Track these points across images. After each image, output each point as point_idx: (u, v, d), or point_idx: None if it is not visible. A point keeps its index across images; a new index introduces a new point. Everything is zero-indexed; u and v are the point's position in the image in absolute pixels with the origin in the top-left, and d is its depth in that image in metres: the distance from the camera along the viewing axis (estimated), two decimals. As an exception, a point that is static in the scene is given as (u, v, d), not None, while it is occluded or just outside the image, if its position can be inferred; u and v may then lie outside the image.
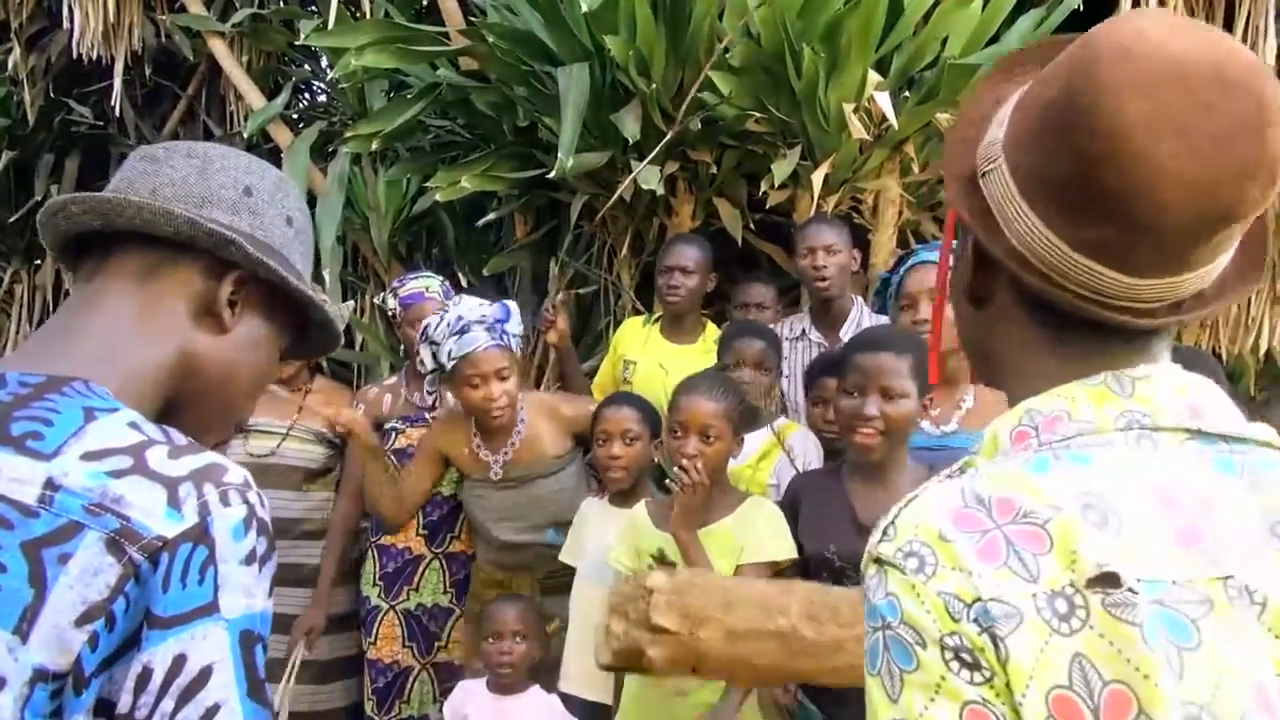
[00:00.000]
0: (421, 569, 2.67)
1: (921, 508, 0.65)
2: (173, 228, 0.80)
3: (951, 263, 0.82)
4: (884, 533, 0.65)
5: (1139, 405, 0.67)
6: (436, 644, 2.67)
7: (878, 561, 0.64)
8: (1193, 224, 0.63)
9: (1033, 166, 0.68)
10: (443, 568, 2.68)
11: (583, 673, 2.19)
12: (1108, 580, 0.58)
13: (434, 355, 2.34)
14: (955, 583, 0.60)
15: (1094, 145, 0.63)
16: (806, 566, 1.95)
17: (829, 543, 1.90)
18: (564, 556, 2.31)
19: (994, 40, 3.11)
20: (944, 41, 2.99)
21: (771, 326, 2.71)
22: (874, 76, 2.80)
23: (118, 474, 0.69)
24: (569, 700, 2.20)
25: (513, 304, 2.47)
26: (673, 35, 2.95)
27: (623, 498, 2.25)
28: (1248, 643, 0.60)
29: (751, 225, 3.21)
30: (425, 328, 2.37)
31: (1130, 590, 0.58)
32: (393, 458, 2.66)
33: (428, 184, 3.40)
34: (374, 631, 2.67)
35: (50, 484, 0.68)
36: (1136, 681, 0.57)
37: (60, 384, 0.74)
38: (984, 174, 0.72)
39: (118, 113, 4.59)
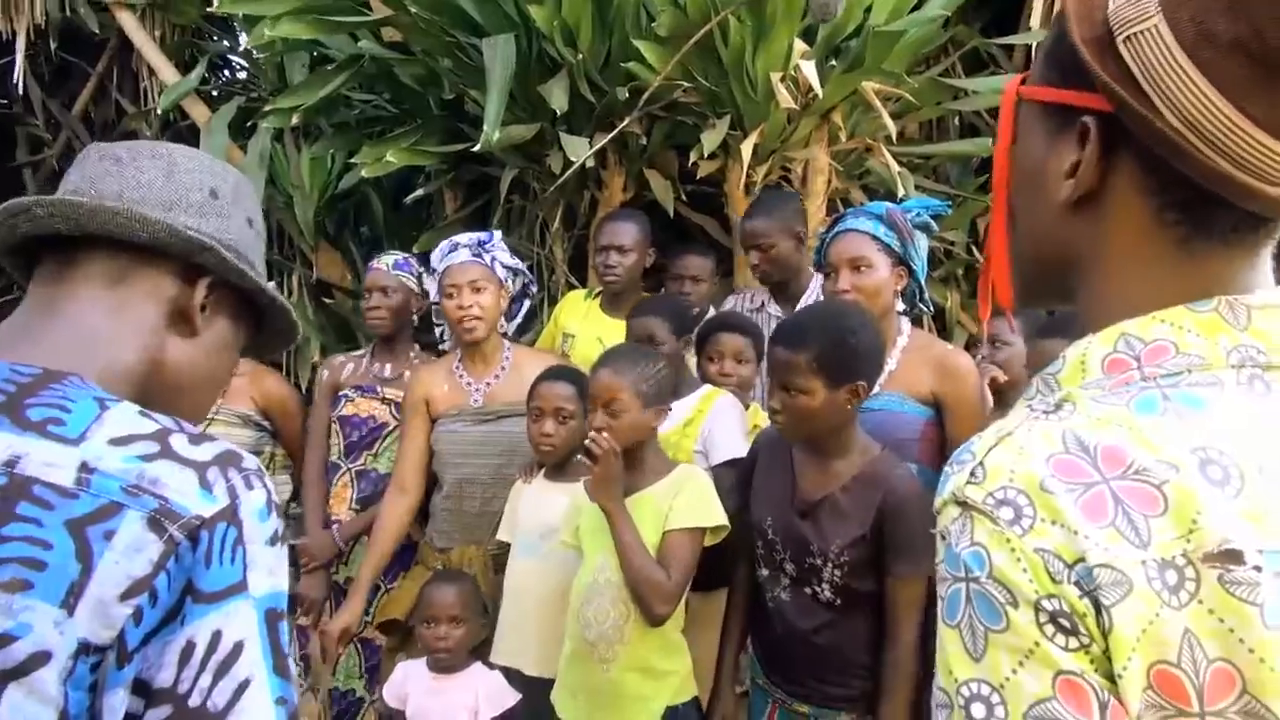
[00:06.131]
0: (353, 544, 2.67)
1: (1017, 449, 0.57)
2: (149, 234, 0.82)
3: (1022, 159, 0.69)
4: (971, 473, 0.58)
5: (1254, 339, 0.59)
6: (364, 619, 2.62)
7: (962, 505, 0.57)
8: None
9: (1206, 24, 0.57)
10: None
11: (517, 646, 2.18)
12: (1230, 557, 0.52)
13: (438, 284, 2.45)
14: (1055, 540, 0.54)
15: None
16: (750, 531, 1.94)
17: (767, 515, 1.89)
18: (501, 534, 2.29)
19: (917, 8, 3.14)
20: (868, 10, 3.01)
21: (743, 304, 2.73)
22: (800, 46, 2.81)
23: (149, 458, 0.72)
24: (508, 673, 2.19)
25: (499, 233, 2.54)
26: (599, 5, 2.91)
27: (555, 472, 2.24)
28: None
29: (683, 197, 3.21)
30: (431, 259, 2.52)
31: (1255, 568, 0.52)
32: (337, 423, 2.71)
33: (353, 160, 3.33)
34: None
35: (85, 467, 0.70)
36: (1249, 664, 0.52)
37: (58, 377, 0.75)
38: (1127, 36, 0.59)
39: (22, 91, 4.39)
